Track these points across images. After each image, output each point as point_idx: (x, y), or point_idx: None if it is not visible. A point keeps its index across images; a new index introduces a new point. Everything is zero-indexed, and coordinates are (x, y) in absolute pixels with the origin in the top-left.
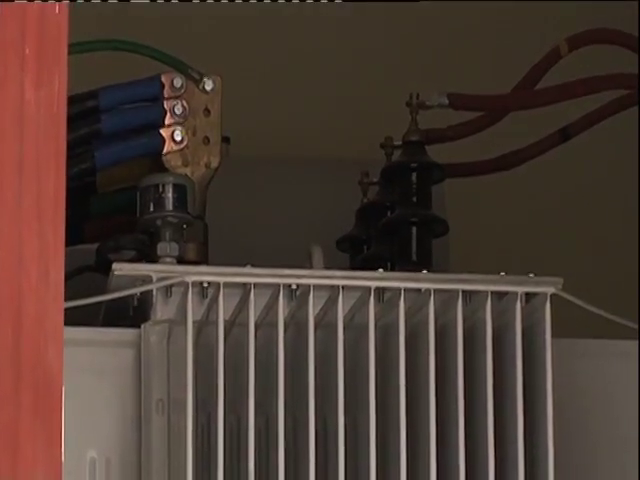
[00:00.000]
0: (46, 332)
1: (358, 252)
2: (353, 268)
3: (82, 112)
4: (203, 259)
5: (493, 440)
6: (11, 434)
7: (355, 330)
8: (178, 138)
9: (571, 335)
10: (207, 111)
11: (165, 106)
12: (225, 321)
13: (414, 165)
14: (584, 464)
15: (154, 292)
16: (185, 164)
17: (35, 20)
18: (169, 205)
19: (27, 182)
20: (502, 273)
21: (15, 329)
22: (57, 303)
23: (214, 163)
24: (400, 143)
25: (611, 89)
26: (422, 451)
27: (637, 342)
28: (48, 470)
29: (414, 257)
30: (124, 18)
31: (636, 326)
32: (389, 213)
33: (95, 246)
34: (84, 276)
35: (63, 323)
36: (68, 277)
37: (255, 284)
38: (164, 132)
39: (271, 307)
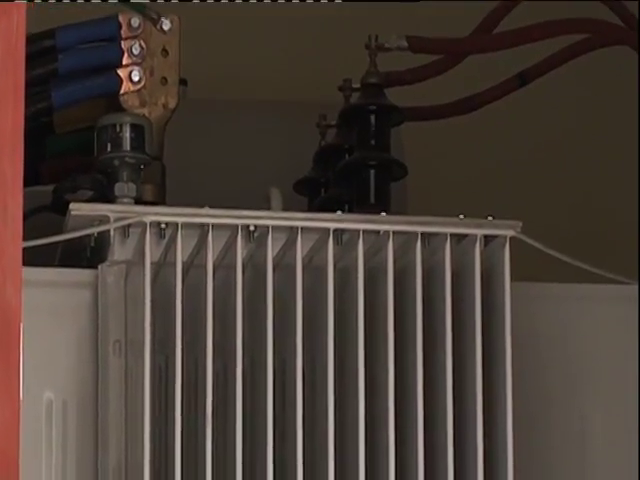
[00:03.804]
0: (4, 270)
1: (316, 195)
2: (311, 211)
3: (39, 51)
4: (160, 200)
5: (452, 381)
6: None
7: (314, 272)
8: (136, 78)
9: (529, 279)
10: (165, 51)
11: (122, 46)
12: (183, 262)
13: (372, 108)
14: (540, 404)
15: (111, 232)
16: (142, 104)
17: None
18: (126, 145)
19: None
20: (461, 216)
21: None
22: (15, 240)
23: (171, 104)
24: (359, 86)
25: (568, 34)
26: (381, 392)
27: (594, 285)
28: (6, 410)
29: (372, 200)
30: None
31: (592, 269)
32: (347, 156)
33: (52, 187)
34: (40, 217)
35: (21, 261)
36: (24, 218)
37: (213, 225)
38: (121, 72)
39: (229, 248)
